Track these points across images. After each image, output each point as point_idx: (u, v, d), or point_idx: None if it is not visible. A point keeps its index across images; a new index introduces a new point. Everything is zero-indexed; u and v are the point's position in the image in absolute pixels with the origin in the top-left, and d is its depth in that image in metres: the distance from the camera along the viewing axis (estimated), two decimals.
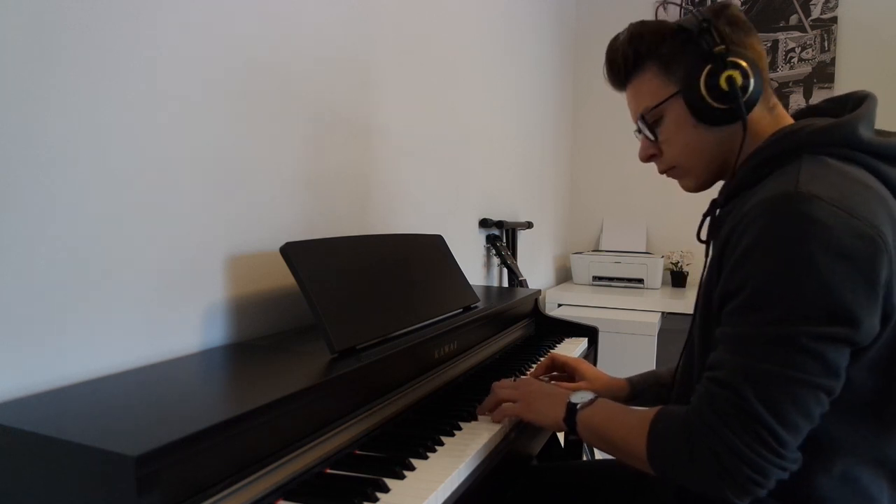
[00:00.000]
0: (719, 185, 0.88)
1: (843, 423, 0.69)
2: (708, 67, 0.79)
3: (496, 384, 0.95)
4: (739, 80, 0.78)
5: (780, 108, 0.85)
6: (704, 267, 0.86)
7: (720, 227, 0.83)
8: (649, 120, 0.88)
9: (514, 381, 0.96)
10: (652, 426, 0.73)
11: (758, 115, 0.82)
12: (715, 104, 0.80)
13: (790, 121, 0.84)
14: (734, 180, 0.82)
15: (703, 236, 0.90)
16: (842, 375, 0.65)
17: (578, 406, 0.84)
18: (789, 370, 0.64)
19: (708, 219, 0.90)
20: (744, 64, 0.78)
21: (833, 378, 0.65)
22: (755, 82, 0.78)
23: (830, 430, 0.69)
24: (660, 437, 0.72)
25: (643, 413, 0.77)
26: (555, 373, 1.14)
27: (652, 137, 0.89)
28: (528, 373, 1.19)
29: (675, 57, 0.84)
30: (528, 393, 0.90)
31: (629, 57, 0.87)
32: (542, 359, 1.19)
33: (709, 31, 0.80)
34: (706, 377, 0.71)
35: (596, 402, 0.84)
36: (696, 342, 0.84)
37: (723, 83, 0.78)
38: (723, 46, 0.79)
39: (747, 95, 0.78)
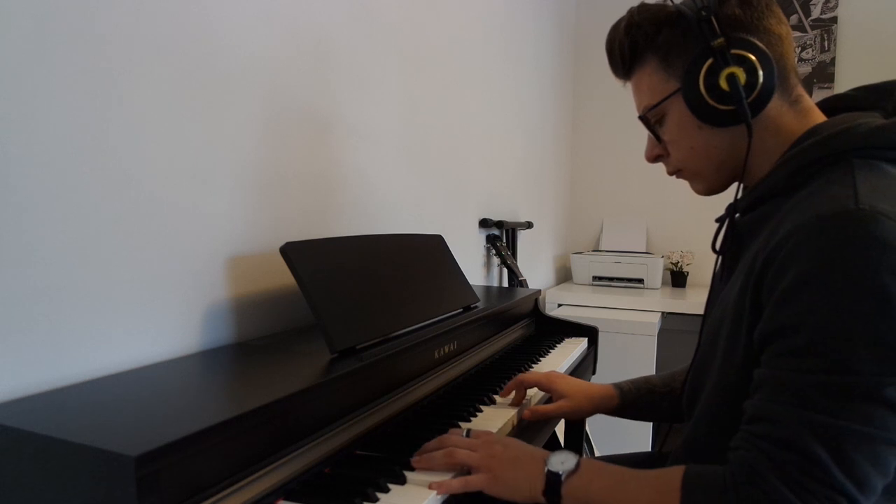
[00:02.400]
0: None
1: None
2: (708, 63, 0.71)
3: (447, 438, 0.75)
4: (743, 77, 0.70)
5: (807, 100, 0.75)
6: (720, 279, 0.78)
7: (743, 236, 0.76)
8: (651, 119, 0.80)
9: (469, 436, 0.77)
10: (685, 497, 0.60)
11: (776, 110, 0.73)
12: (716, 105, 0.72)
13: (821, 116, 0.75)
14: (763, 185, 0.73)
15: (719, 246, 0.81)
16: None
17: (563, 475, 0.68)
18: (869, 427, 0.55)
19: (725, 226, 0.80)
20: (751, 57, 0.70)
21: None
22: (765, 77, 0.70)
23: None
24: None
25: (660, 479, 0.64)
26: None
27: (656, 138, 0.82)
28: (500, 395, 1.01)
29: (674, 49, 0.75)
30: (490, 457, 0.72)
31: (626, 49, 0.79)
32: (508, 382, 1.02)
33: (708, 21, 0.71)
34: (757, 433, 0.60)
35: (582, 466, 0.69)
36: (713, 364, 0.74)
37: (723, 83, 0.70)
38: (722, 39, 0.70)
39: (754, 94, 0.70)
